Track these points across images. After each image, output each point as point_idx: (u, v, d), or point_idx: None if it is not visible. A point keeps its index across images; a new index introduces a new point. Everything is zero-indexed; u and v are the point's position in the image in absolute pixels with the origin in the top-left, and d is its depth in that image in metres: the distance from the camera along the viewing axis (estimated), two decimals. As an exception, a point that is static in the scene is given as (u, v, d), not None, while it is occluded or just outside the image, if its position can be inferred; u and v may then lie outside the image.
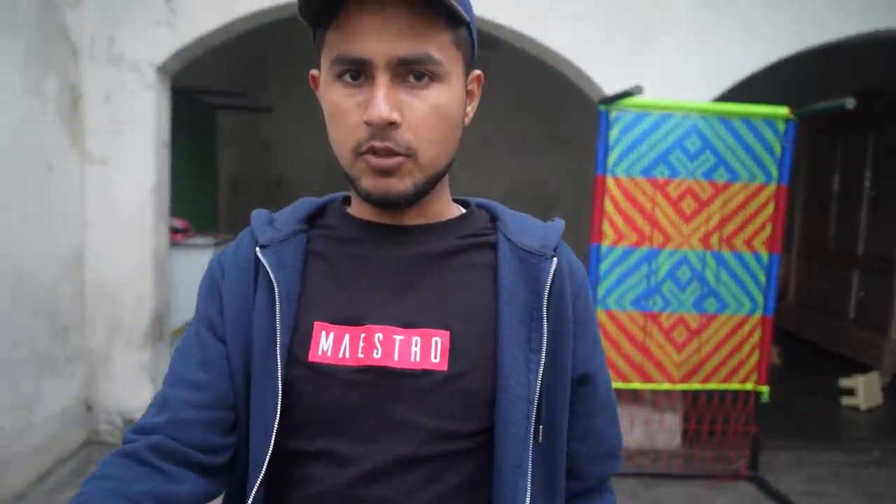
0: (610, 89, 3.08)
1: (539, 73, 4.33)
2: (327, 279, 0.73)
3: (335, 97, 0.67)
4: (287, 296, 0.70)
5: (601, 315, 2.91)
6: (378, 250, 0.73)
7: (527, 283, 0.72)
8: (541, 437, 0.71)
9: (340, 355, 0.69)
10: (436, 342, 0.69)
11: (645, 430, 3.25)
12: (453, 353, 0.69)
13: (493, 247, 0.75)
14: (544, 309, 0.70)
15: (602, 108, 2.85)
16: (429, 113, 0.66)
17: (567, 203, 5.48)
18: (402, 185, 0.67)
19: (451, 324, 0.70)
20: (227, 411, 0.70)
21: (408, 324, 0.69)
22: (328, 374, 0.68)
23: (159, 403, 0.70)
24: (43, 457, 2.70)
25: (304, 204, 0.79)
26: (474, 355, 0.69)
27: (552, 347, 0.71)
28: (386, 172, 0.66)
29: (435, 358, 0.68)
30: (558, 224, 0.79)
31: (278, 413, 0.67)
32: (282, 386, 0.67)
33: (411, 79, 0.65)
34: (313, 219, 0.78)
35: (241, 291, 0.72)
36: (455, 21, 0.66)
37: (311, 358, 0.69)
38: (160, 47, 3.00)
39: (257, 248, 0.73)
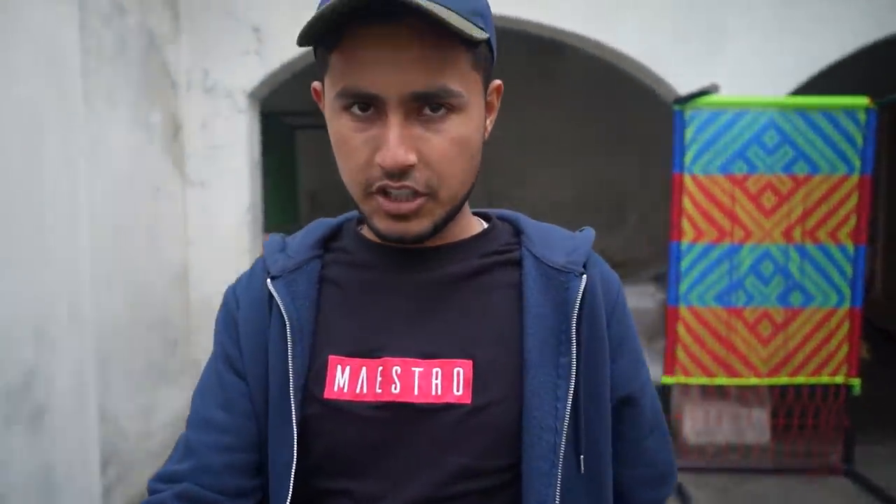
0: (683, 89, 3.11)
1: (606, 75, 4.38)
2: (342, 309, 0.68)
3: (343, 130, 0.61)
4: (301, 330, 0.66)
5: (683, 312, 2.93)
6: (394, 276, 0.69)
7: (554, 303, 0.66)
8: (582, 468, 0.65)
9: (358, 391, 0.65)
10: (458, 373, 0.64)
11: (733, 426, 3.25)
12: (477, 383, 0.64)
13: (518, 264, 0.69)
14: (573, 332, 0.65)
15: (676, 107, 2.88)
16: (449, 148, 0.60)
17: (639, 203, 5.49)
18: (420, 226, 0.63)
19: (474, 352, 0.65)
20: (253, 453, 0.67)
21: (427, 354, 0.65)
22: (346, 411, 0.64)
23: (183, 448, 0.67)
24: (159, 462, 2.92)
25: (318, 227, 0.75)
26: (499, 385, 0.64)
27: (587, 371, 0.66)
28: (403, 217, 0.62)
29: (458, 390, 0.63)
30: (587, 234, 0.73)
31: (295, 455, 0.64)
32: (297, 426, 0.64)
33: (427, 111, 0.59)
34: (329, 241, 0.73)
35: (256, 325, 0.69)
36: (474, 43, 0.59)
37: (328, 395, 0.65)
38: (250, 75, 3.20)
39: (268, 280, 0.69)
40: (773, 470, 3.05)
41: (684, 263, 2.93)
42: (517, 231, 0.73)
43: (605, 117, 5.51)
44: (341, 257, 0.72)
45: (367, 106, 0.59)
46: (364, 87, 0.58)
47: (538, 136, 5.46)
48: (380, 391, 0.64)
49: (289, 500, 0.64)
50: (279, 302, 0.67)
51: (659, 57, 3.20)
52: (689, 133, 2.87)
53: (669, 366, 2.97)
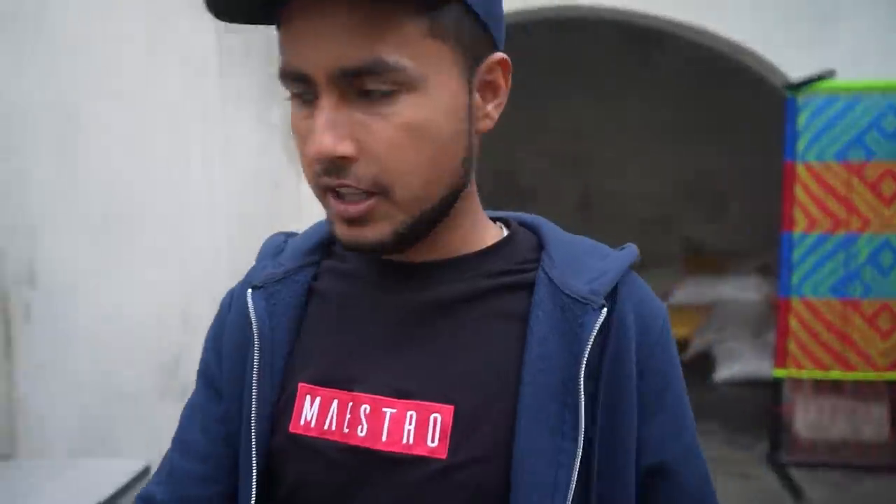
0: (794, 75, 3.03)
1: (705, 62, 4.28)
2: (322, 328, 0.58)
3: (294, 118, 0.52)
4: (272, 352, 0.57)
5: (796, 303, 2.87)
6: (379, 292, 0.58)
7: (566, 341, 0.53)
8: None
9: (326, 427, 0.55)
10: (434, 419, 0.52)
11: (848, 421, 3.15)
12: (455, 435, 0.52)
13: (530, 287, 0.55)
14: (580, 380, 0.52)
15: (789, 94, 2.82)
16: (395, 135, 0.49)
17: (741, 192, 5.33)
18: (376, 233, 0.51)
19: (456, 395, 0.53)
20: (233, 482, 0.60)
21: (402, 393, 0.54)
22: (311, 449, 0.55)
23: (167, 471, 0.62)
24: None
25: (319, 228, 0.62)
26: (484, 440, 0.52)
27: (605, 433, 0.53)
28: (356, 220, 0.51)
29: (432, 441, 0.52)
30: (626, 254, 0.58)
31: (254, 491, 0.56)
32: (257, 460, 0.56)
33: (368, 91, 0.49)
34: (332, 244, 0.61)
35: (239, 339, 0.60)
36: (431, 3, 0.48)
37: (293, 428, 0.55)
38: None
39: (248, 291, 0.58)
40: (893, 468, 2.94)
41: (797, 254, 2.86)
42: (540, 245, 0.58)
43: (705, 105, 5.38)
44: (336, 265, 0.60)
45: (309, 89, 0.49)
46: (293, 66, 0.49)
47: (636, 126, 5.39)
48: (347, 431, 0.54)
49: None
50: (252, 317, 0.57)
51: (769, 41, 3.12)
52: (802, 120, 2.80)
53: (780, 358, 2.91)
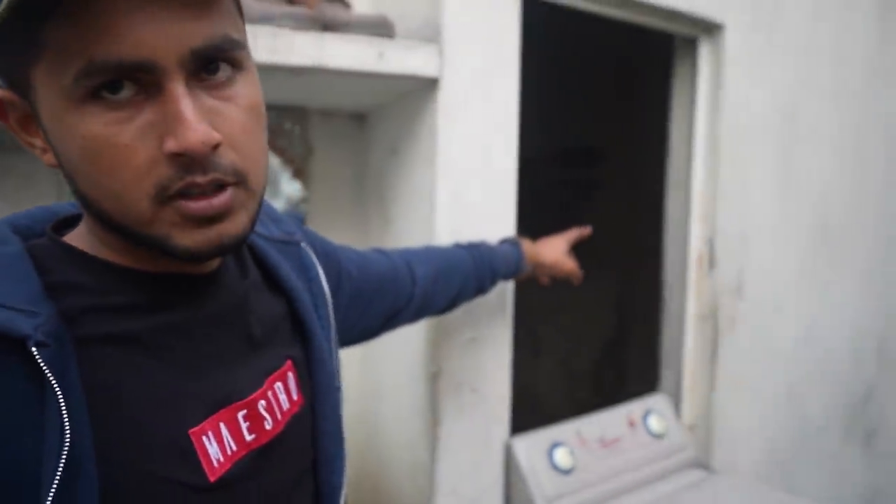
0: None
1: None
2: (148, 376, 0.50)
3: (96, 128, 0.44)
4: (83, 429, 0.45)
5: None
6: (190, 312, 0.54)
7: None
8: None
9: (232, 451, 0.54)
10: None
11: None
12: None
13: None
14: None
15: None
16: (246, 118, 0.48)
17: None
18: (237, 225, 0.49)
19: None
20: None
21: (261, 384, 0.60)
22: (244, 478, 0.55)
23: None
24: None
25: (18, 261, 0.49)
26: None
27: None
28: (216, 217, 0.47)
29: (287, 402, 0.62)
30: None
31: None
32: None
33: (205, 75, 0.46)
34: (57, 289, 0.49)
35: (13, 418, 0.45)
36: None
37: (214, 476, 0.52)
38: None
39: (35, 349, 0.43)
40: None
41: None
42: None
43: None
44: (88, 302, 0.49)
45: (119, 86, 0.44)
46: (127, 54, 0.42)
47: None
48: (251, 437, 0.55)
49: None
50: (57, 387, 0.43)
51: None
52: None
53: None
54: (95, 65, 0.42)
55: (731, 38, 1.78)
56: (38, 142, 0.50)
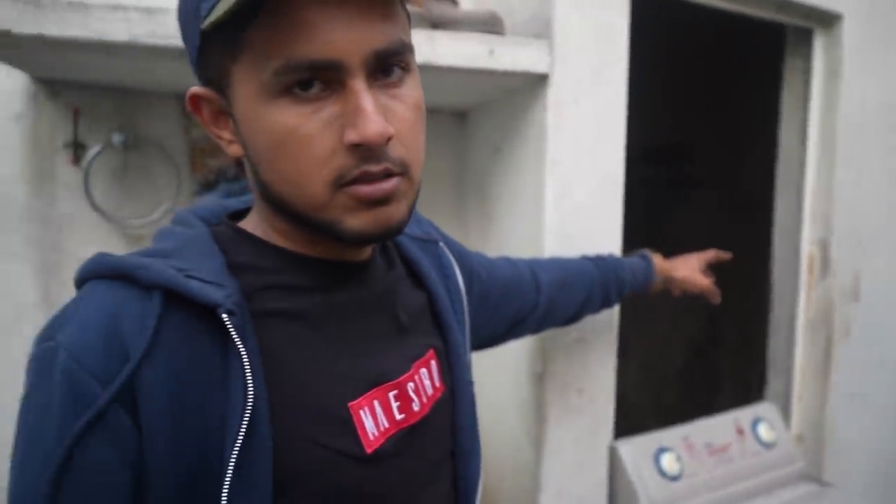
0: None
1: None
2: (313, 346, 0.56)
3: (285, 119, 0.49)
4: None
5: None
6: (346, 296, 0.59)
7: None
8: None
9: (384, 427, 0.58)
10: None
11: None
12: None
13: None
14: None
15: None
16: (413, 117, 0.53)
17: None
18: (398, 211, 0.53)
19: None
20: None
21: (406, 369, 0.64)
22: (393, 454, 0.59)
23: None
24: None
25: (203, 241, 0.56)
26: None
27: None
28: (383, 201, 0.52)
29: (432, 387, 0.66)
30: None
31: None
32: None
33: (381, 76, 0.51)
34: (241, 268, 0.56)
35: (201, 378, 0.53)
36: None
37: (370, 448, 0.57)
38: None
39: (225, 316, 0.50)
40: None
41: None
42: None
43: None
44: (263, 280, 0.55)
45: (310, 83, 0.49)
46: (321, 54, 0.47)
47: None
48: (401, 416, 0.59)
49: None
50: (244, 350, 0.49)
51: None
52: None
53: None
54: (291, 64, 0.48)
55: (849, 30, 1.68)
56: (227, 134, 0.56)
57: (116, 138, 1.40)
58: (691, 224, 2.81)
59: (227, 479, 0.47)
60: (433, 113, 1.65)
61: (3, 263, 1.38)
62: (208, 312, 0.50)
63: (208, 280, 0.51)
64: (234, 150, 0.56)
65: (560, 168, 1.28)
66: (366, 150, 0.50)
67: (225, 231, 0.59)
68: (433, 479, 0.63)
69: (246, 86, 0.50)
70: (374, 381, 0.58)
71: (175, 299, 0.50)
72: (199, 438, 0.48)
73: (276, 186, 0.53)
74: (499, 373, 1.46)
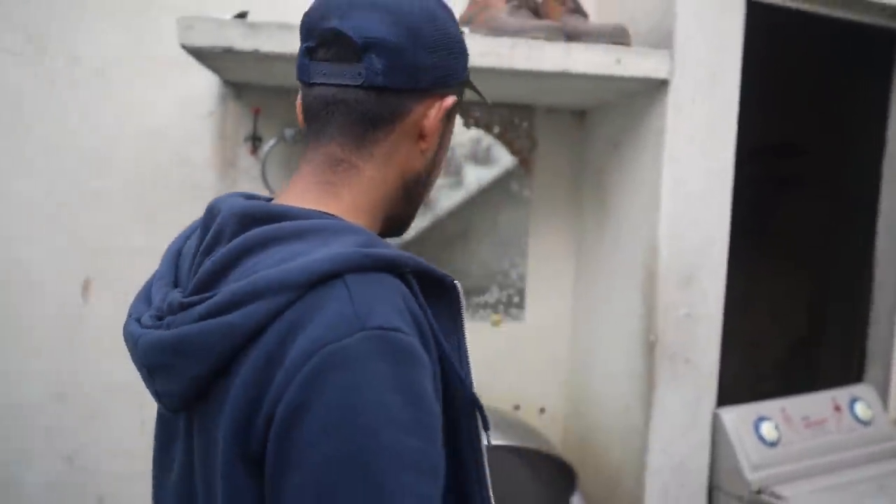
0: None
1: None
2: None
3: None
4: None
5: None
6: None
7: None
8: None
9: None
10: None
11: None
12: None
13: None
14: None
15: None
16: None
17: None
18: None
19: None
20: None
21: None
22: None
23: None
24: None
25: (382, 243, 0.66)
26: None
27: None
28: None
29: None
30: None
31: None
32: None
33: None
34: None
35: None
36: None
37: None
38: None
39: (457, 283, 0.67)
40: None
41: None
42: None
43: None
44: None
45: None
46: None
47: None
48: None
49: None
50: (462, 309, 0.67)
51: None
52: None
53: None
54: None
55: (962, 33, 1.75)
56: (432, 142, 0.75)
57: (288, 133, 1.67)
58: (795, 221, 2.87)
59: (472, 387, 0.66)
60: (553, 112, 1.84)
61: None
62: (436, 284, 0.65)
63: (429, 265, 0.66)
64: (430, 151, 0.74)
65: (676, 163, 1.45)
66: None
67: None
68: None
69: (453, 123, 0.77)
70: None
71: (420, 279, 0.64)
72: (448, 376, 0.64)
73: (427, 189, 0.77)
74: (612, 343, 1.64)
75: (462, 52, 0.73)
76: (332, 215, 0.67)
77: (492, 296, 1.87)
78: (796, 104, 2.77)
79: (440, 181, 1.84)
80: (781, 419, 1.53)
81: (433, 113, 0.71)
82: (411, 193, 0.75)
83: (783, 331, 3.01)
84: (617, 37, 1.44)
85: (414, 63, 0.68)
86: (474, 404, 0.66)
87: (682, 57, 1.42)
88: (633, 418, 1.52)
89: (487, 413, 0.68)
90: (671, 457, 1.48)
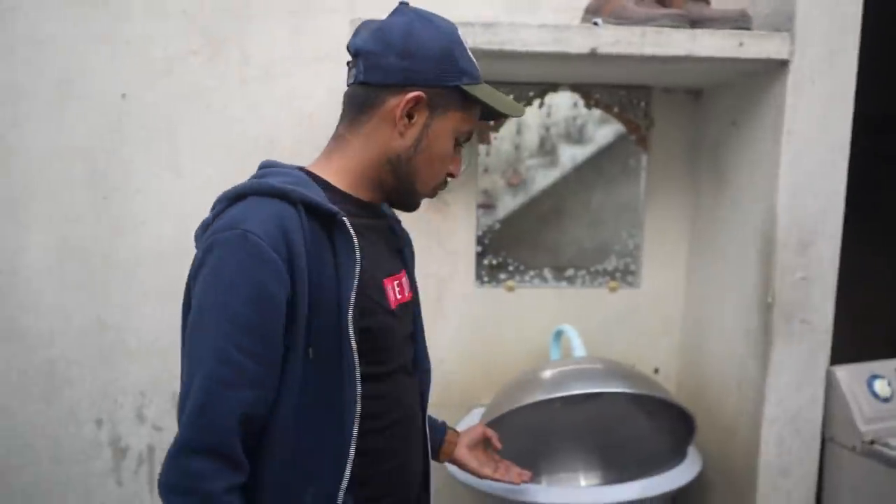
0: None
1: None
2: (367, 247, 0.95)
3: (450, 149, 1.01)
4: (363, 267, 0.93)
5: None
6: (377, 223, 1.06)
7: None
8: None
9: (397, 298, 1.03)
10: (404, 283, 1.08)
11: None
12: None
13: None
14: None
15: None
16: None
17: None
18: None
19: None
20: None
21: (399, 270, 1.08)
22: (398, 313, 1.03)
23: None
24: None
25: (311, 186, 0.93)
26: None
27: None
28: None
29: (407, 292, 1.08)
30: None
31: (357, 360, 0.92)
32: (357, 336, 0.92)
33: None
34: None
35: (327, 258, 0.91)
36: None
37: (393, 306, 1.02)
38: None
39: (346, 219, 0.91)
40: None
41: None
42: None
43: None
44: (339, 206, 0.92)
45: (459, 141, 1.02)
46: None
47: None
48: (399, 296, 1.03)
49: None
50: (356, 240, 0.91)
51: None
52: None
53: None
54: (469, 132, 1.02)
55: None
56: (415, 129, 0.98)
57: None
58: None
59: (351, 308, 0.88)
60: (670, 92, 1.97)
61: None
62: (327, 219, 0.89)
63: (322, 201, 0.89)
64: (410, 136, 0.97)
65: (794, 139, 1.56)
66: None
67: (312, 177, 0.97)
68: (407, 340, 1.07)
69: (450, 122, 0.98)
70: (389, 273, 1.02)
71: (310, 210, 0.87)
72: (319, 292, 0.86)
73: (415, 170, 1.00)
74: (727, 306, 1.77)
75: (438, 60, 0.95)
76: (303, 169, 0.98)
77: (609, 264, 2.03)
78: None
79: (535, 160, 2.01)
80: (895, 377, 1.63)
81: (401, 103, 0.94)
82: (398, 170, 0.98)
83: (887, 309, 3.02)
84: (739, 21, 1.56)
85: (385, 65, 0.94)
86: (341, 327, 0.88)
87: (803, 38, 1.53)
88: (750, 374, 1.66)
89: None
90: (787, 409, 1.61)
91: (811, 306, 1.60)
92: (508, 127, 1.96)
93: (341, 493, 0.87)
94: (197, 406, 0.80)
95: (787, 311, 1.59)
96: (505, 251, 1.99)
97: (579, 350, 1.70)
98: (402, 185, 1.00)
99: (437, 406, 1.92)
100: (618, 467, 1.75)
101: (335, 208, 0.89)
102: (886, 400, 1.59)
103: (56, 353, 1.88)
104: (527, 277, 2.00)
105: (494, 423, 1.48)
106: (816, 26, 1.53)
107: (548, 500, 1.50)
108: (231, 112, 1.87)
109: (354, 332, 0.88)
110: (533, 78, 1.88)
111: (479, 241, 1.97)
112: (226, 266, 0.83)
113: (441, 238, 1.94)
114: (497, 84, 1.86)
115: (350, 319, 0.87)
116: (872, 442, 1.54)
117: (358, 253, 0.89)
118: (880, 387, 1.60)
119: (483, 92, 0.99)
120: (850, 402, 1.57)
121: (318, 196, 0.89)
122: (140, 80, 1.83)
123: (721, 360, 1.81)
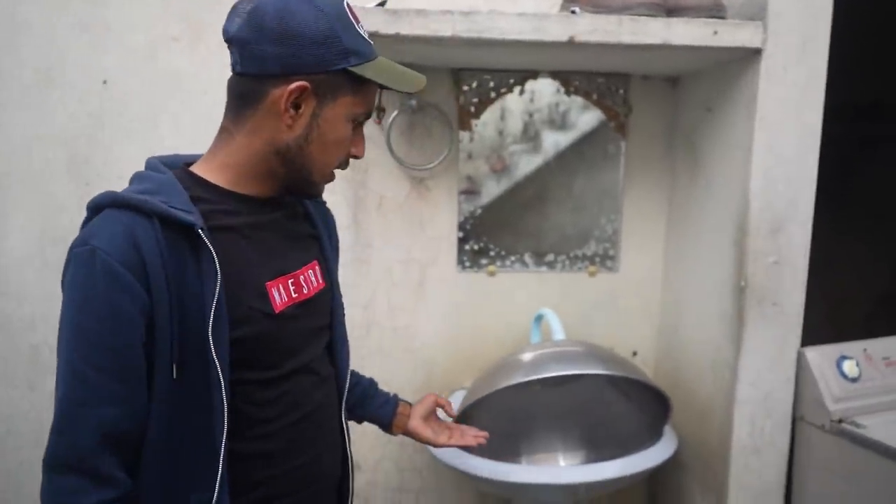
0: None
1: None
2: (241, 247, 0.93)
3: (347, 133, 0.94)
4: (227, 277, 0.88)
5: None
6: (266, 218, 0.98)
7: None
8: None
9: (286, 299, 0.96)
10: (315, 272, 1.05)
11: None
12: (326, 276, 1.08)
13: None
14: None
15: None
16: None
17: None
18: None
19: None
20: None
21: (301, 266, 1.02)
22: (290, 316, 0.97)
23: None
24: None
25: (174, 187, 0.89)
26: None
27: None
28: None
29: (317, 283, 1.04)
30: None
31: (222, 375, 0.88)
32: (229, 346, 0.89)
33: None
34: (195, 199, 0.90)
35: (183, 271, 0.86)
36: None
37: (278, 309, 0.95)
38: None
39: (200, 230, 0.85)
40: None
41: None
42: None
43: None
44: (211, 208, 0.90)
45: (358, 121, 0.96)
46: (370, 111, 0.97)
47: None
48: (295, 295, 0.97)
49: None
50: (214, 252, 0.85)
51: None
52: None
53: None
54: (365, 112, 0.95)
55: None
56: (303, 119, 0.91)
57: (411, 104, 1.89)
58: (882, 181, 2.92)
59: (211, 320, 0.83)
60: (648, 79, 2.00)
61: (327, 195, 1.93)
62: (186, 230, 0.83)
63: (183, 209, 0.84)
64: (299, 127, 0.90)
65: (766, 125, 1.59)
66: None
67: (182, 175, 0.92)
68: (317, 337, 1.03)
69: (341, 107, 0.90)
70: (279, 272, 0.95)
71: (166, 222, 0.82)
72: (181, 304, 0.83)
73: (309, 159, 0.93)
74: (703, 289, 1.82)
75: (319, 43, 0.86)
76: (188, 165, 0.95)
77: (589, 248, 2.07)
78: (887, 62, 2.81)
79: (518, 147, 2.04)
80: (863, 358, 1.68)
81: (284, 95, 0.87)
82: (289, 162, 0.92)
83: (866, 286, 3.09)
84: (714, 10, 1.59)
85: (260, 54, 0.86)
86: (203, 341, 0.84)
87: (775, 27, 1.56)
88: (724, 356, 1.70)
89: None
90: (758, 389, 1.66)
91: (783, 290, 1.64)
92: (492, 113, 1.98)
93: (223, 498, 0.87)
94: (55, 425, 0.81)
95: (760, 294, 1.63)
96: (486, 236, 2.02)
97: (559, 333, 1.74)
98: (296, 175, 0.94)
99: (420, 389, 1.97)
100: (596, 447, 1.79)
101: (191, 219, 0.84)
102: (854, 380, 1.64)
103: (39, 338, 1.88)
104: (508, 262, 2.03)
105: (475, 406, 1.51)
106: (788, 16, 1.57)
107: (529, 478, 1.54)
108: (212, 97, 1.87)
109: (219, 344, 0.85)
110: (513, 65, 1.91)
111: (461, 226, 1.99)
112: (77, 284, 0.81)
113: (423, 223, 1.96)
114: (477, 71, 1.92)
115: (210, 331, 0.84)
116: (841, 421, 1.59)
117: (217, 265, 0.85)
118: (849, 367, 1.65)
119: (376, 70, 0.91)
120: (819, 382, 1.62)
121: (181, 204, 0.85)
122: (121, 66, 1.83)
123: (697, 343, 1.85)
